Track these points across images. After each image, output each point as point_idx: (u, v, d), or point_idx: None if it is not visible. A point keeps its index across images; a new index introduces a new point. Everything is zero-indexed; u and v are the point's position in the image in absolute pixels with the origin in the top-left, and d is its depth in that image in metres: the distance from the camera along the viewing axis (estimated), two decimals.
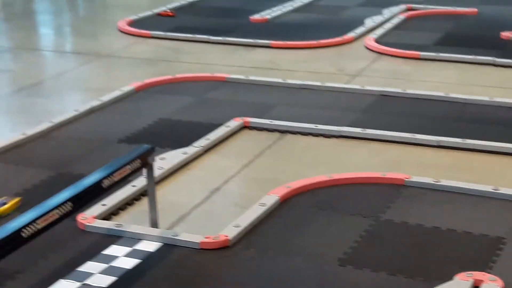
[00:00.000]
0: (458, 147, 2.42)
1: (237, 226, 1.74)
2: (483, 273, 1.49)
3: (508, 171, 2.26)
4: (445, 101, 2.99)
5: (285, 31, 4.10)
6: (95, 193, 1.59)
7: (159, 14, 4.60)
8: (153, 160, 1.81)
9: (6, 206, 1.86)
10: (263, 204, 1.91)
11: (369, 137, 2.52)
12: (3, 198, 2.05)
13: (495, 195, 1.99)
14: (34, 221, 1.31)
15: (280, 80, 3.26)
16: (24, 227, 1.27)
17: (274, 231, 1.82)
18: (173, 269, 1.61)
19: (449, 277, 1.46)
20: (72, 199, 1.42)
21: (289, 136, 2.62)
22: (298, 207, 2.00)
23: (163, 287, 1.50)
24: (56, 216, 1.39)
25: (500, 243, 1.67)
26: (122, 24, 4.21)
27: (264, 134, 2.67)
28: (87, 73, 3.65)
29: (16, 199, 1.93)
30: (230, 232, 1.70)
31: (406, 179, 2.09)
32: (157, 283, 1.52)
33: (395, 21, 4.28)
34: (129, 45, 4.00)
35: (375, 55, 3.77)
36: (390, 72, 3.56)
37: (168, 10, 4.69)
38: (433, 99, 3.02)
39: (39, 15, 5.32)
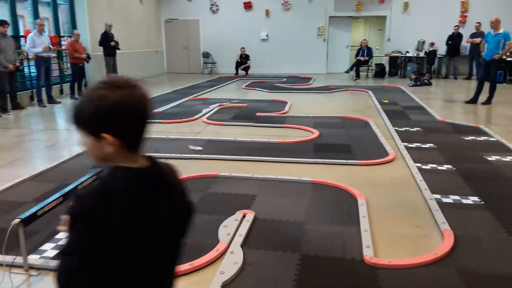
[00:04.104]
0: (242, 160, 4.29)
1: None
2: (248, 210, 3.01)
3: (262, 169, 3.99)
4: (236, 141, 5.02)
5: (169, 116, 6.70)
6: (73, 192, 2.65)
7: None
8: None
9: None
10: None
11: (204, 158, 4.38)
12: None
13: (253, 178, 3.74)
14: (43, 207, 2.34)
15: (164, 136, 5.20)
16: (38, 210, 2.34)
17: None
18: None
19: (233, 214, 2.94)
20: (63, 195, 2.58)
21: (168, 160, 4.67)
22: None
23: None
24: (54, 204, 2.45)
25: (254, 198, 3.32)
26: None
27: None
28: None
29: None
30: None
31: (219, 174, 3.82)
32: None
33: (214, 110, 7.20)
34: None
35: (206, 124, 6.05)
36: (213, 131, 5.61)
37: None
38: (230, 142, 5.02)
39: (56, 114, 7.23)
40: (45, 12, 11.31)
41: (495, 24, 7.56)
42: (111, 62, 10.14)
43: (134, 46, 12.47)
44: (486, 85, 7.83)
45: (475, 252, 2.50)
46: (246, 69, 13.89)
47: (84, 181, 2.94)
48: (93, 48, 10.15)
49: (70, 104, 8.37)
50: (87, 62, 9.17)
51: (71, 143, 5.27)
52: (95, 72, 10.47)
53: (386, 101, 5.61)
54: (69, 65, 9.19)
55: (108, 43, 9.90)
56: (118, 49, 10.19)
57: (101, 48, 10.02)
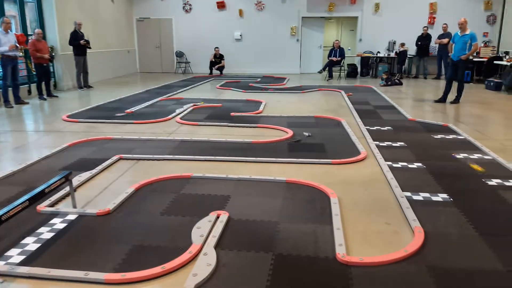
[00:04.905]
0: (216, 160, 4.25)
1: (114, 203, 3.11)
2: (221, 211, 2.99)
3: (236, 169, 3.96)
4: (209, 141, 4.97)
5: (142, 116, 6.61)
6: (41, 196, 2.64)
7: None
8: (72, 177, 3.00)
9: None
10: (127, 192, 3.33)
11: (176, 159, 4.29)
12: None
13: (227, 178, 3.70)
14: (8, 211, 2.26)
15: (136, 137, 5.14)
16: (3, 214, 2.23)
17: (130, 204, 3.15)
18: (84, 226, 2.79)
19: (206, 215, 2.89)
20: (29, 199, 2.49)
21: (140, 161, 4.27)
22: (143, 192, 3.42)
23: (79, 235, 2.64)
24: (20, 208, 2.34)
25: (228, 198, 3.29)
26: (64, 117, 6.53)
27: (129, 162, 4.24)
28: (49, 139, 5.26)
29: None
30: (110, 206, 3.08)
31: (192, 175, 3.75)
32: (76, 232, 2.67)
33: (188, 110, 7.11)
34: (67, 126, 6.07)
35: (179, 124, 5.99)
36: (187, 131, 5.56)
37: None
38: (204, 142, 4.97)
39: (24, 116, 6.89)
40: (12, 10, 10.93)
41: (464, 25, 7.76)
42: (81, 61, 9.92)
43: (105, 45, 12.23)
44: (454, 85, 8.03)
45: (444, 248, 2.55)
46: (221, 68, 13.82)
47: (52, 183, 2.84)
48: (62, 47, 9.89)
49: (38, 105, 8.13)
50: (51, 62, 8.93)
51: (39, 145, 5.10)
52: (65, 72, 10.21)
53: (480, 169, 3.89)
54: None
55: (77, 42, 9.68)
56: (89, 47, 9.97)
57: (71, 47, 9.79)
